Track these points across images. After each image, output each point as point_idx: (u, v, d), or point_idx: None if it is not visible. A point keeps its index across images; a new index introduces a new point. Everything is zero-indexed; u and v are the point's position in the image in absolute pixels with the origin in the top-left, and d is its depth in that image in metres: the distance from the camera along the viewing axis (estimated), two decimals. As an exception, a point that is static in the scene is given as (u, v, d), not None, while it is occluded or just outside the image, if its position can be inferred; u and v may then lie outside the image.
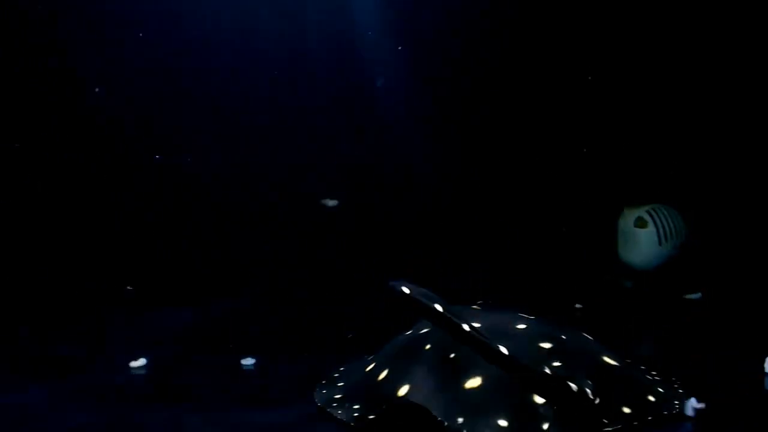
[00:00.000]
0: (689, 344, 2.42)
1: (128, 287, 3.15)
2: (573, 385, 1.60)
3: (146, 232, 3.31)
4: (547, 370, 1.64)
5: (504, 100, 3.41)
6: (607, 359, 1.84)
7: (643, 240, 3.29)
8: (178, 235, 3.35)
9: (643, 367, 1.97)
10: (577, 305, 2.83)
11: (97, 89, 3.17)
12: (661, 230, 3.27)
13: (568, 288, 3.11)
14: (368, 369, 1.93)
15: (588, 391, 1.61)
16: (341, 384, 1.98)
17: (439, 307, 1.62)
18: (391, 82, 3.33)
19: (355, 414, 1.78)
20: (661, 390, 1.81)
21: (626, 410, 1.69)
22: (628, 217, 3.34)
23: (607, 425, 1.63)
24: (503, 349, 1.61)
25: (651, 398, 1.76)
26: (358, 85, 3.32)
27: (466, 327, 1.62)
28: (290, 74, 3.32)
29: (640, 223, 3.28)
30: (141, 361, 2.25)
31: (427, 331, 1.93)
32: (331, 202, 3.34)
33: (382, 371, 1.87)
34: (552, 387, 1.61)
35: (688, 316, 2.74)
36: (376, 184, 3.42)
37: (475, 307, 2.05)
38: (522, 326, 1.85)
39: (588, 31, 3.33)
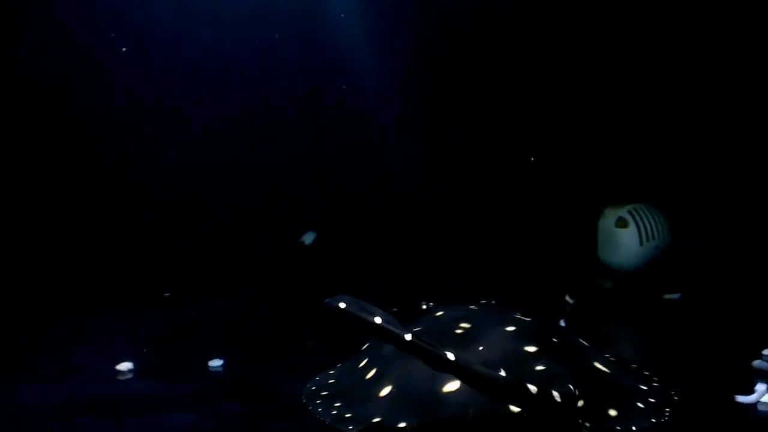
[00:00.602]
0: (690, 344, 2.42)
1: (166, 293, 3.15)
2: (532, 387, 1.56)
3: (146, 232, 3.31)
4: (503, 373, 1.59)
5: (504, 100, 3.41)
6: (598, 365, 1.81)
7: (624, 240, 3.27)
8: (178, 235, 3.34)
9: (646, 373, 1.96)
10: (569, 299, 2.83)
11: (124, 49, 3.16)
12: (642, 230, 3.24)
13: (566, 288, 3.10)
14: (360, 366, 1.94)
15: (555, 393, 1.57)
16: (332, 381, 1.99)
17: (378, 320, 1.57)
18: (392, 83, 3.33)
19: (334, 412, 1.79)
20: (653, 399, 1.78)
21: (612, 415, 1.67)
22: (609, 218, 3.31)
23: (587, 429, 1.62)
24: (450, 356, 1.56)
25: (640, 405, 1.74)
26: (357, 86, 3.31)
27: (408, 337, 1.56)
28: (291, 75, 3.32)
29: (621, 223, 3.26)
30: (128, 365, 2.24)
31: (418, 330, 1.93)
32: (309, 239, 3.33)
33: (371, 370, 1.88)
34: (507, 390, 1.57)
35: (688, 317, 2.74)
36: (376, 184, 3.42)
37: (472, 307, 2.04)
38: (511, 328, 1.84)
39: (585, 32, 3.33)
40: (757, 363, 1.95)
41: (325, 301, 1.59)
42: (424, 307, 2.22)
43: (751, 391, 1.86)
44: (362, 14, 3.23)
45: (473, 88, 3.39)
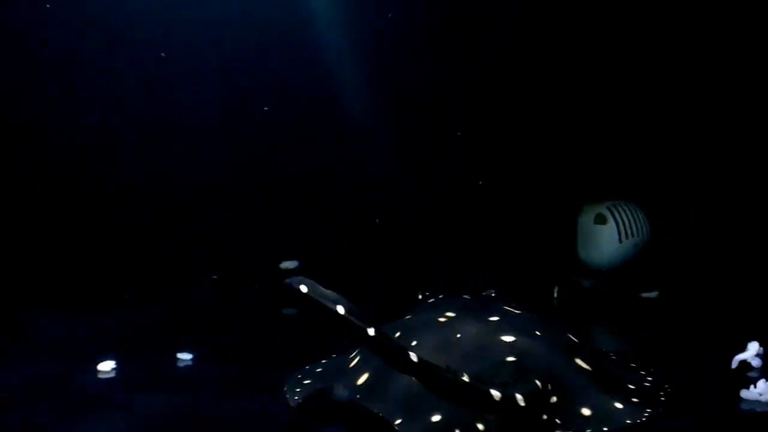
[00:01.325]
0: (690, 344, 2.42)
1: (213, 276, 3.13)
2: (495, 393, 1.51)
3: (146, 232, 3.31)
4: (465, 378, 1.53)
5: (504, 100, 3.41)
6: (579, 362, 1.77)
7: (602, 237, 3.22)
8: (178, 235, 3.35)
9: (642, 372, 1.95)
10: (556, 288, 2.82)
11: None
12: (621, 227, 3.21)
13: (548, 284, 3.09)
14: (351, 356, 1.93)
15: (519, 397, 1.52)
16: (319, 370, 1.98)
17: (341, 309, 1.47)
18: (392, 83, 3.33)
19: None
20: (635, 399, 1.74)
21: (584, 414, 1.63)
22: (588, 214, 3.28)
23: (556, 428, 1.58)
24: (413, 356, 1.50)
25: (618, 405, 1.69)
26: (356, 86, 3.31)
27: (371, 331, 1.47)
28: (290, 74, 3.32)
29: (600, 219, 3.22)
30: (110, 364, 2.22)
31: (405, 320, 1.92)
32: (290, 265, 3.33)
33: (356, 358, 1.86)
34: (469, 395, 1.53)
35: (688, 317, 2.74)
36: (376, 184, 3.42)
37: (466, 297, 2.04)
38: (495, 318, 1.82)
39: (584, 32, 3.33)
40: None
41: (286, 281, 1.49)
42: (420, 297, 2.21)
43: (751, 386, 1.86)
44: (362, 14, 3.23)
45: (473, 88, 3.39)
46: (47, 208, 3.26)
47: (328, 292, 1.49)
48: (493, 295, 2.20)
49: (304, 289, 1.47)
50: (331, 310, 1.48)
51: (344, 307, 1.48)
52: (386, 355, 1.54)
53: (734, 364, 1.99)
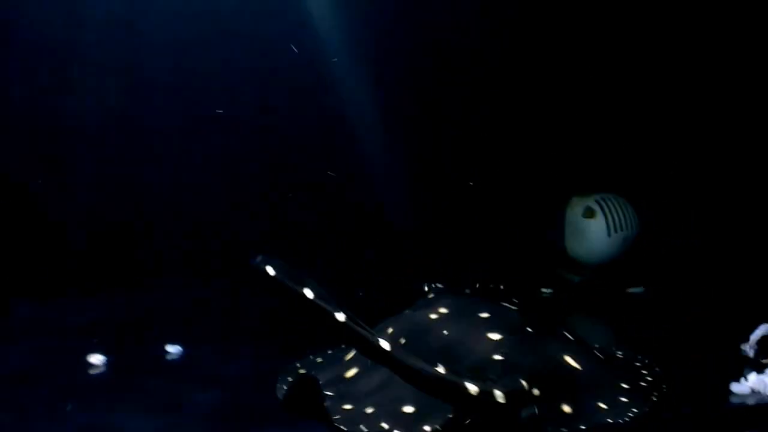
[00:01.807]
0: (689, 343, 2.42)
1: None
2: (472, 388, 1.45)
3: (146, 231, 3.31)
4: (441, 369, 1.46)
5: (504, 100, 3.41)
6: (569, 359, 1.75)
7: (591, 231, 3.19)
8: (178, 235, 3.35)
9: (644, 372, 1.93)
10: (544, 290, 2.81)
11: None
12: (610, 220, 3.18)
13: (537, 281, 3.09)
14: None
15: (498, 393, 1.47)
16: (320, 360, 1.98)
17: (309, 293, 1.38)
18: (392, 83, 3.33)
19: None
20: (625, 398, 1.72)
21: (566, 411, 1.61)
22: (576, 207, 3.26)
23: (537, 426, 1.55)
24: (385, 345, 1.43)
25: (602, 405, 1.66)
26: (356, 86, 3.32)
27: (340, 317, 1.39)
28: (291, 73, 3.32)
29: (589, 213, 3.20)
30: (100, 358, 2.23)
31: (397, 317, 1.92)
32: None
33: (351, 351, 1.84)
34: (443, 388, 1.47)
35: (688, 316, 2.74)
36: (376, 183, 3.42)
37: (467, 291, 2.03)
38: (486, 315, 1.79)
39: (584, 31, 3.33)
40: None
41: (251, 262, 1.41)
42: (426, 289, 2.19)
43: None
44: (361, 14, 3.23)
45: (473, 88, 3.39)
46: (49, 206, 3.26)
47: (299, 273, 1.41)
48: (501, 288, 2.18)
49: (271, 271, 1.38)
50: (299, 294, 1.39)
51: (313, 291, 1.40)
52: (356, 343, 1.47)
53: (750, 350, 1.97)
